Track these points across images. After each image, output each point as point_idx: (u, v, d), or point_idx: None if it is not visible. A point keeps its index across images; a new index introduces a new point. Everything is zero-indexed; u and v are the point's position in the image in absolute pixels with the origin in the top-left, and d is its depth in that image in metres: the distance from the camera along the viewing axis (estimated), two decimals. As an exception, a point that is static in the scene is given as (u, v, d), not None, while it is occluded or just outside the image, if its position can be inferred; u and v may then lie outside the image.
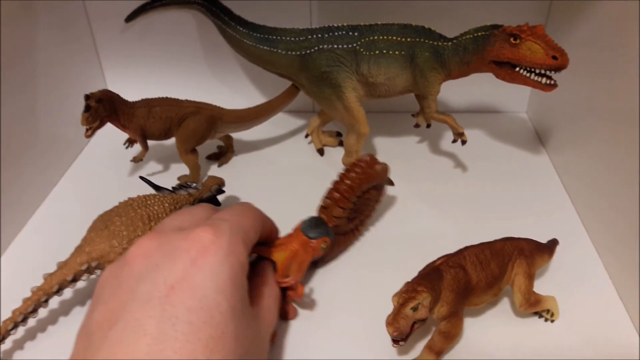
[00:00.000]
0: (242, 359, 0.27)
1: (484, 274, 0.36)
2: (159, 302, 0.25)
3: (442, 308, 0.34)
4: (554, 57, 0.43)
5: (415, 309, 0.32)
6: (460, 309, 0.35)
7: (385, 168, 0.43)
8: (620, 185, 0.42)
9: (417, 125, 0.56)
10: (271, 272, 0.38)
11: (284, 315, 0.39)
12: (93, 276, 0.40)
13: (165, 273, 0.27)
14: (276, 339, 0.38)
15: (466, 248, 0.37)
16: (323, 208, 0.42)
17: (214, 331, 0.25)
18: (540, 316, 0.39)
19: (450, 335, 0.35)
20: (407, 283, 0.34)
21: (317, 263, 0.44)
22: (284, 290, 0.39)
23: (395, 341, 0.33)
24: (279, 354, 0.37)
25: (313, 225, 0.41)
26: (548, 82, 0.45)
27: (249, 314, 0.30)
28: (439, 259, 0.37)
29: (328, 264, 0.45)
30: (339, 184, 0.41)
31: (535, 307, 0.38)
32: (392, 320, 0.32)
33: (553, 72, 0.44)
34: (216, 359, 0.25)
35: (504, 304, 0.41)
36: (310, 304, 0.41)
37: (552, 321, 0.39)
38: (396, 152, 0.60)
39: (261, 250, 0.40)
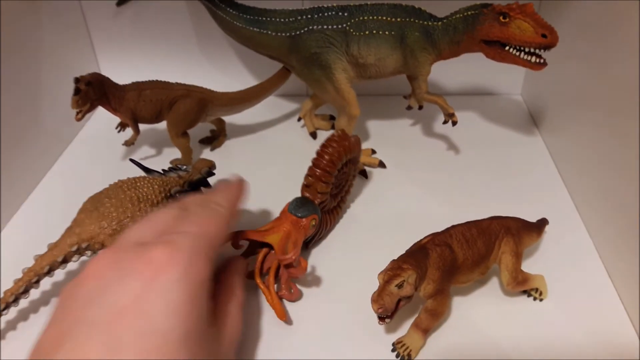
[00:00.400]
0: None
1: (470, 252, 0.36)
2: (106, 327, 0.24)
3: (428, 286, 0.34)
4: (544, 35, 0.42)
5: (400, 286, 0.32)
6: (446, 287, 0.35)
7: (357, 140, 0.44)
8: (614, 169, 0.42)
9: (409, 107, 0.56)
10: (238, 283, 0.36)
11: (288, 296, 0.39)
12: (83, 257, 0.40)
13: (115, 296, 0.25)
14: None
15: (453, 227, 0.37)
16: (306, 187, 0.42)
17: (165, 358, 0.24)
18: (529, 295, 0.39)
19: (437, 313, 0.35)
20: (393, 261, 0.34)
21: (308, 244, 0.44)
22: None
23: (381, 318, 0.33)
24: (267, 332, 0.38)
25: (299, 205, 0.41)
26: (538, 60, 0.45)
27: (208, 336, 0.28)
28: (425, 237, 0.37)
29: (319, 244, 0.45)
30: (318, 160, 0.42)
31: (524, 285, 0.38)
32: (377, 297, 0.32)
33: (543, 50, 0.44)
34: None
35: (493, 283, 0.41)
36: (314, 282, 0.42)
37: (541, 300, 0.39)
38: (388, 135, 0.60)
39: (254, 235, 0.40)
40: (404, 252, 0.37)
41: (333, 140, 0.42)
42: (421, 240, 0.37)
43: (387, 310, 0.32)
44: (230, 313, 0.33)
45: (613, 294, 0.40)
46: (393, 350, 0.35)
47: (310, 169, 0.43)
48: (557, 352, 0.36)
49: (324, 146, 0.42)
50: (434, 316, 0.35)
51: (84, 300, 0.26)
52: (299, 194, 0.43)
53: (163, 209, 0.34)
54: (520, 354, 0.36)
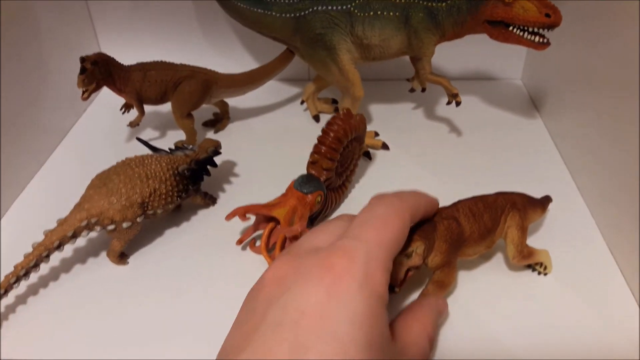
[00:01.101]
0: None
1: (476, 226, 0.37)
2: (290, 327, 0.24)
3: (436, 257, 0.35)
4: (547, 15, 0.43)
5: (408, 256, 0.33)
6: (453, 259, 0.36)
7: (362, 119, 0.44)
8: (614, 149, 0.43)
9: (412, 90, 0.57)
10: (425, 308, 0.34)
11: None
12: (93, 233, 0.41)
13: (297, 298, 0.25)
14: None
15: (459, 201, 0.38)
16: (312, 164, 0.43)
17: None
18: (534, 269, 0.40)
19: (444, 284, 0.35)
20: None
21: (314, 221, 0.45)
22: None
23: (389, 288, 0.33)
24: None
25: (305, 181, 0.42)
26: (541, 40, 0.45)
27: (390, 351, 0.27)
28: None
29: (323, 222, 0.46)
30: (324, 138, 0.42)
31: (528, 259, 0.39)
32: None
33: (546, 30, 0.44)
34: None
35: (497, 258, 0.42)
36: None
37: (545, 274, 0.40)
38: (391, 118, 0.61)
39: (260, 209, 0.41)
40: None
41: (338, 118, 0.43)
42: None
43: (396, 280, 0.33)
44: (416, 344, 0.31)
45: (615, 269, 0.41)
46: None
47: (315, 146, 0.43)
48: (559, 325, 0.36)
49: (329, 124, 0.43)
50: (441, 287, 0.35)
51: (266, 303, 0.26)
52: (304, 172, 0.44)
53: (341, 215, 0.33)
54: (523, 328, 0.36)
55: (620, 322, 0.37)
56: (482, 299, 0.38)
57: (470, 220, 0.36)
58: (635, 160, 0.39)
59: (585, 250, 0.42)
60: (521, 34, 0.45)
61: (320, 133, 0.43)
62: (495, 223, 0.37)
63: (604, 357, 0.34)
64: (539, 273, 0.40)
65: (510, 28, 0.45)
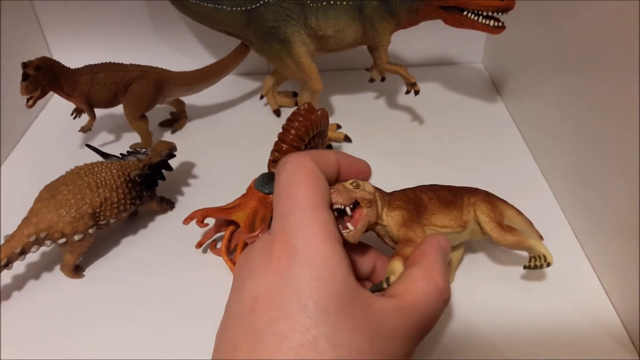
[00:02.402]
0: None
1: (435, 195, 0.36)
2: (247, 316, 0.24)
3: (394, 212, 0.33)
4: (500, -2, 0.42)
5: (356, 186, 0.31)
6: (416, 220, 0.34)
7: (324, 114, 0.43)
8: (575, 129, 0.42)
9: (372, 80, 0.56)
10: (428, 255, 0.31)
11: None
12: (44, 247, 0.39)
13: (250, 287, 0.25)
14: None
15: (417, 186, 0.37)
16: (273, 162, 0.42)
17: (302, 338, 0.23)
18: (533, 266, 0.37)
19: (411, 240, 0.33)
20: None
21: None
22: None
23: (344, 226, 0.31)
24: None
25: (266, 180, 0.40)
26: (496, 24, 0.44)
27: (362, 302, 0.25)
28: None
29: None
30: (285, 135, 0.41)
31: (514, 235, 0.36)
32: (332, 187, 0.30)
33: (500, 13, 0.44)
34: None
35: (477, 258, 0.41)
36: None
37: (548, 264, 0.36)
38: (353, 109, 0.60)
39: (219, 213, 0.40)
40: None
41: (299, 114, 0.41)
42: None
43: (341, 200, 0.30)
44: (423, 300, 0.28)
45: (580, 253, 0.41)
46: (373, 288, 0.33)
47: (276, 143, 0.42)
48: (530, 316, 0.36)
49: (289, 120, 0.41)
50: (409, 242, 0.33)
51: (230, 299, 0.27)
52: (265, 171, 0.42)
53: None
54: (494, 322, 0.36)
55: (588, 311, 0.37)
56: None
57: (428, 193, 0.35)
58: (596, 139, 0.39)
59: (549, 232, 0.42)
60: (475, 18, 0.44)
61: (281, 129, 0.42)
62: (457, 198, 0.36)
63: (571, 342, 0.34)
64: (541, 266, 0.37)
65: (465, 13, 0.45)
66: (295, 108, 0.45)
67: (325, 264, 0.25)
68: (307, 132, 0.41)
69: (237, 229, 0.40)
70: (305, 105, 0.42)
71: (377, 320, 0.25)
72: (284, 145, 0.41)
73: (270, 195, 0.40)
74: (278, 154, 0.41)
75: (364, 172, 0.33)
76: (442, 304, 0.28)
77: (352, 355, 0.24)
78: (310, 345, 0.23)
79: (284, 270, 0.25)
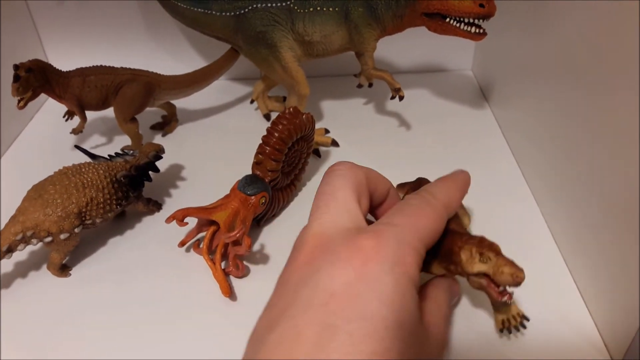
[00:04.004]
0: None
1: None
2: (319, 308, 0.24)
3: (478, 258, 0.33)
4: (481, 5, 0.43)
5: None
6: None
7: (309, 118, 0.44)
8: (557, 139, 0.43)
9: (359, 86, 0.56)
10: (439, 289, 0.33)
11: (235, 273, 0.40)
12: (31, 246, 0.40)
13: (326, 280, 0.25)
14: None
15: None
16: (256, 164, 0.42)
17: (377, 346, 0.23)
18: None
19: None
20: None
21: (260, 221, 0.45)
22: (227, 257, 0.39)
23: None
24: (233, 307, 0.38)
25: (249, 182, 0.41)
26: (477, 31, 0.45)
27: (420, 334, 0.26)
28: None
29: (271, 221, 0.45)
30: (268, 138, 0.42)
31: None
32: None
33: (481, 20, 0.45)
34: None
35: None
36: (262, 259, 0.42)
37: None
38: (341, 114, 0.61)
39: (199, 212, 0.40)
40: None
41: (283, 117, 0.42)
42: None
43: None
44: (435, 324, 0.30)
45: (559, 258, 0.41)
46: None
47: (260, 146, 0.42)
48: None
49: (274, 123, 0.42)
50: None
51: (296, 285, 0.26)
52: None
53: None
54: (475, 329, 0.36)
55: (564, 312, 0.37)
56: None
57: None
58: (580, 147, 0.39)
59: (530, 239, 0.43)
60: (457, 25, 0.45)
61: (265, 131, 0.42)
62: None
63: (546, 347, 0.35)
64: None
65: (447, 20, 0.46)
66: (281, 112, 0.46)
67: (410, 283, 0.26)
68: (291, 136, 0.42)
69: (219, 229, 0.41)
70: (291, 109, 0.42)
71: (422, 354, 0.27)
72: (267, 148, 0.42)
73: (252, 197, 0.41)
74: (261, 156, 0.42)
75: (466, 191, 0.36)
76: (447, 330, 0.31)
77: None
78: (382, 354, 0.23)
79: (369, 272, 0.25)
